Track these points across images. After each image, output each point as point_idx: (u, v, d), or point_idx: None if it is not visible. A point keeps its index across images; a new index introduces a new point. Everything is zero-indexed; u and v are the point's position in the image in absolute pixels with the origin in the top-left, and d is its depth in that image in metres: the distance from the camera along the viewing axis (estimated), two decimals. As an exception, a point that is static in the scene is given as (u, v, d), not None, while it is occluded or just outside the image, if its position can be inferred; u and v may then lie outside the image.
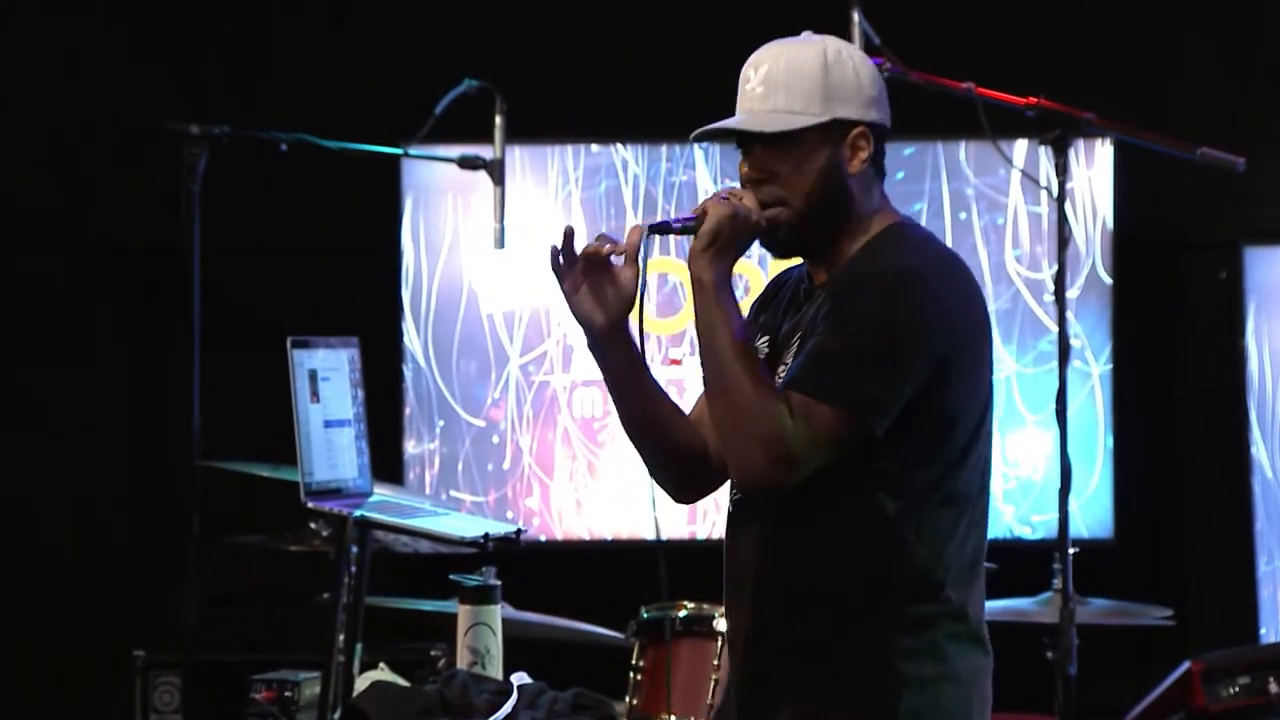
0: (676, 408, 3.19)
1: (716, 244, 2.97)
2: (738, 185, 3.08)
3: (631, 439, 3.19)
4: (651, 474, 3.19)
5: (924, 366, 2.94)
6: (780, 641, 3.03)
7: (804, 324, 3.05)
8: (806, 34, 3.11)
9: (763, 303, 3.22)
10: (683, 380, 6.00)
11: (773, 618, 3.04)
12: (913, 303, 2.95)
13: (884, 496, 2.97)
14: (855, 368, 2.91)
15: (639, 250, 3.04)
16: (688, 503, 3.29)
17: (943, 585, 3.00)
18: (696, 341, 2.99)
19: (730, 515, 3.13)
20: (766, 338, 3.14)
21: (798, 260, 3.15)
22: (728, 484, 3.13)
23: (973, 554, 3.05)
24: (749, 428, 2.89)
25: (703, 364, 2.98)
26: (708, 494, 3.26)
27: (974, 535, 3.05)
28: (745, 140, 3.06)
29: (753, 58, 3.07)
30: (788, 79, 3.02)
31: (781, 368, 3.04)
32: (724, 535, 3.15)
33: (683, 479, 3.22)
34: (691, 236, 3.01)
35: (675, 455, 3.18)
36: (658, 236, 3.08)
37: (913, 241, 3.06)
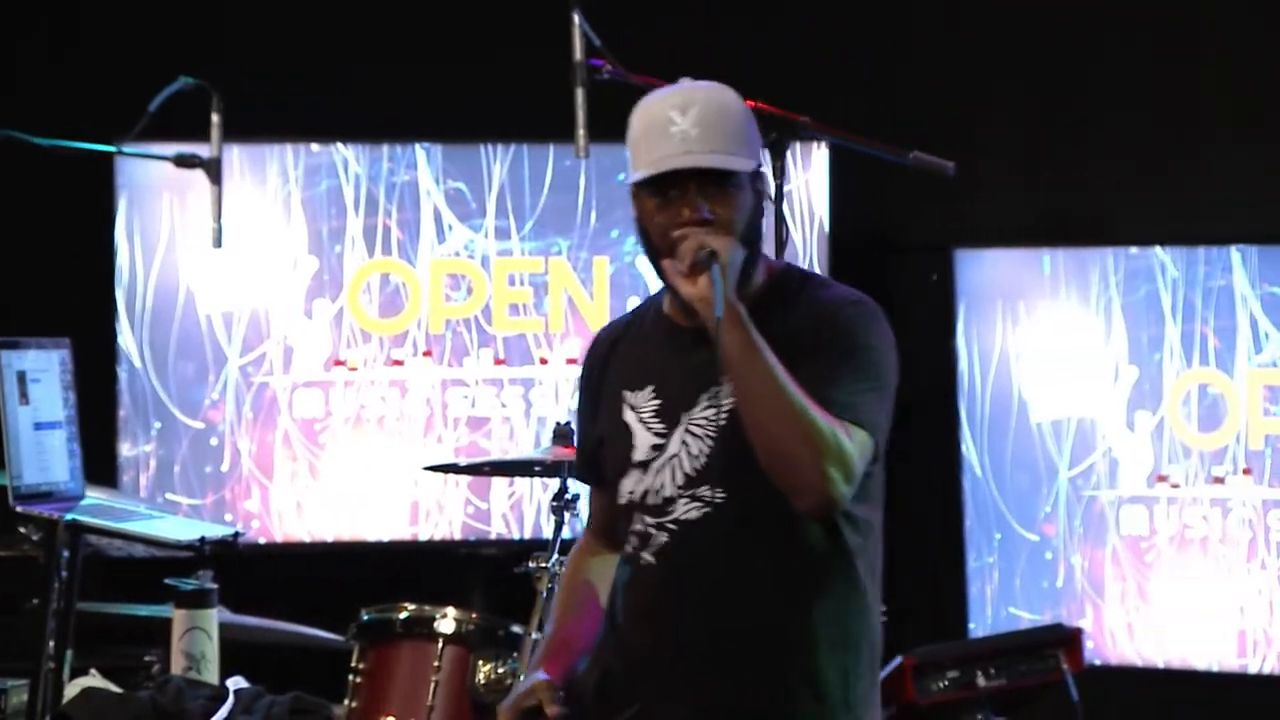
0: (585, 625, 3.18)
1: (734, 277, 2.98)
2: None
3: None
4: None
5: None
6: (736, 670, 3.03)
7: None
8: (685, 80, 3.09)
9: (595, 363, 3.19)
10: (404, 381, 5.98)
11: (727, 645, 3.04)
12: (884, 332, 3.10)
13: (848, 531, 3.11)
14: (868, 393, 3.05)
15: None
16: None
17: (871, 615, 3.16)
18: (734, 371, 2.95)
19: (669, 538, 3.07)
20: (651, 386, 3.09)
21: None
22: (638, 507, 3.08)
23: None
24: (822, 449, 2.93)
25: (749, 390, 2.95)
26: None
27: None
28: (678, 180, 3.01)
29: (672, 99, 3.04)
30: (721, 123, 3.02)
31: (711, 409, 3.02)
32: (647, 558, 3.08)
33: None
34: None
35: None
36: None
37: (821, 279, 3.18)
